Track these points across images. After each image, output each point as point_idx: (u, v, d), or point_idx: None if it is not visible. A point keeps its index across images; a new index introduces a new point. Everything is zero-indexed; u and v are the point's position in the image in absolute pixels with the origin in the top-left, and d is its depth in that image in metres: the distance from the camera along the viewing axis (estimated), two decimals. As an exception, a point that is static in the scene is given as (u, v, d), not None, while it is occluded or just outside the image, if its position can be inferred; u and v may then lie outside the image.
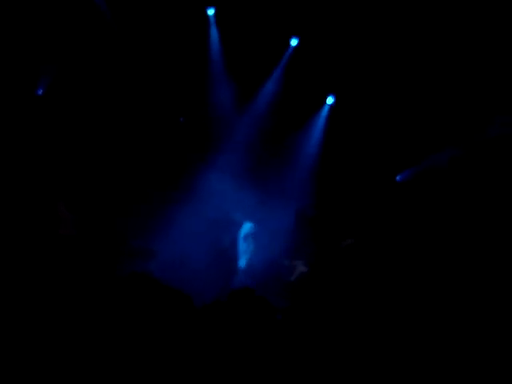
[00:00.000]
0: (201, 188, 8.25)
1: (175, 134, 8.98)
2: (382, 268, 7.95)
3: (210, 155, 8.66)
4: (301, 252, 8.08)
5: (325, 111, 8.96)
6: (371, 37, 8.41)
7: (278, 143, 8.96)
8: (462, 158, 8.46)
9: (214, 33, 8.61)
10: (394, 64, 8.50)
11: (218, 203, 8.23)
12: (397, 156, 9.15)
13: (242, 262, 8.17)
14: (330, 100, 8.96)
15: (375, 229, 8.67)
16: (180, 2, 8.34)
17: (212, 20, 8.57)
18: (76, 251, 6.62)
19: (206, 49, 8.66)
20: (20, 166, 7.45)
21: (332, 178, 9.06)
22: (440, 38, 8.08)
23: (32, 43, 7.66)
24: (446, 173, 8.60)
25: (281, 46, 8.76)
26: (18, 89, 7.73)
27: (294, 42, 8.76)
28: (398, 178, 9.14)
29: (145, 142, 8.73)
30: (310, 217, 8.26)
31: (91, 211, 7.54)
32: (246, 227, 8.36)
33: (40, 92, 8.05)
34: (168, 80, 8.65)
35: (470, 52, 8.00)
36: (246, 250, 8.26)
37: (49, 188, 7.16)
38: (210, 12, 8.57)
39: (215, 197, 8.24)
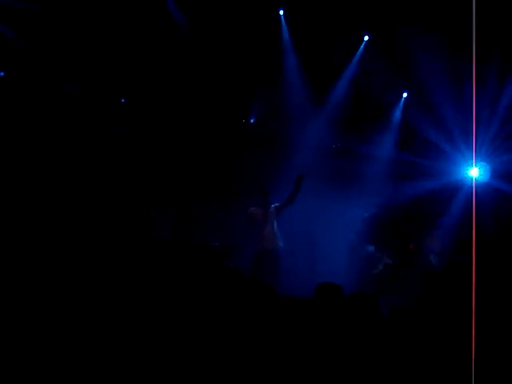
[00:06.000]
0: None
1: (246, 136, 9.07)
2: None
3: (286, 156, 8.64)
4: (383, 243, 7.92)
5: (400, 105, 8.88)
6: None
7: (354, 141, 8.89)
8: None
9: (285, 32, 8.60)
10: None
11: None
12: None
13: None
14: (404, 94, 8.89)
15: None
16: (252, 4, 8.32)
17: (283, 20, 8.57)
18: (173, 251, 7.02)
19: (279, 49, 8.64)
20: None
21: (409, 169, 8.96)
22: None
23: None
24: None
25: (353, 42, 8.71)
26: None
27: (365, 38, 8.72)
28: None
29: (221, 147, 8.84)
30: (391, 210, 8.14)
31: (178, 215, 7.73)
32: None
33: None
34: (239, 82, 8.69)
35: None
36: None
37: (141, 197, 7.59)
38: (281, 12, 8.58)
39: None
